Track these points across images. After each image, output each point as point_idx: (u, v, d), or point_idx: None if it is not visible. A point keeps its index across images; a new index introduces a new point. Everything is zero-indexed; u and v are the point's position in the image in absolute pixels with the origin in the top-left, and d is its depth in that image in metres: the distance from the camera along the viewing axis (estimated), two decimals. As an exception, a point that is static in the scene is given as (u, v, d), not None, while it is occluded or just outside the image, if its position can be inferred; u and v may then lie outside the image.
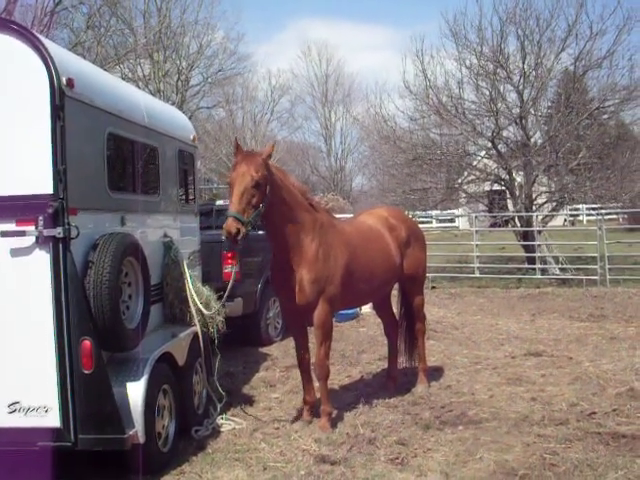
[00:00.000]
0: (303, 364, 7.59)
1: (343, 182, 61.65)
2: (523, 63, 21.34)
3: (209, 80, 43.73)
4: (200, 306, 7.38)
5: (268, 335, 11.99)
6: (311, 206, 7.28)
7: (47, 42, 5.47)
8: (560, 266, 20.03)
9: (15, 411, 5.35)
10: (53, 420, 5.33)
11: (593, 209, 29.15)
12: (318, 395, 7.56)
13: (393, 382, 8.68)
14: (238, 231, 6.21)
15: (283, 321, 12.18)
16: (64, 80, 5.30)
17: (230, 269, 10.72)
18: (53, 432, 5.33)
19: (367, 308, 13.24)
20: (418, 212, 23.89)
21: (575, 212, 32.72)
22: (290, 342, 11.46)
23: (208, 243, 9.69)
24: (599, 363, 9.54)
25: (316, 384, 7.55)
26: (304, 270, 6.98)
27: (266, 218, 6.77)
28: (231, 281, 7.11)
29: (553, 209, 22.49)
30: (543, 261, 20.06)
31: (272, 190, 6.68)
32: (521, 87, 21.51)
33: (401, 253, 8.26)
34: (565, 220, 35.81)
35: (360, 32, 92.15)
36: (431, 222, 40.38)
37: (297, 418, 7.55)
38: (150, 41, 33.05)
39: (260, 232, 12.71)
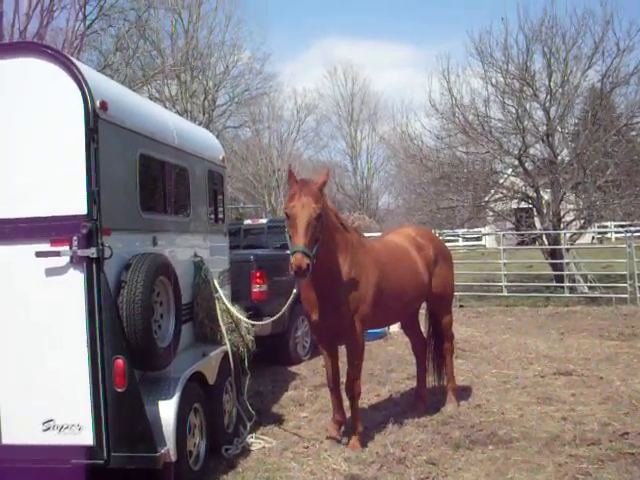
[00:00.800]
0: (333, 383, 7.55)
1: (369, 201, 61.61)
2: (549, 80, 21.32)
3: (235, 100, 44.02)
4: (241, 316, 7.55)
5: (297, 354, 12.01)
6: (342, 226, 7.25)
7: (81, 65, 5.56)
8: (589, 284, 19.86)
9: (49, 429, 5.40)
10: (86, 438, 5.36)
11: (622, 226, 28.91)
12: (347, 414, 7.56)
13: (422, 401, 8.65)
14: (308, 266, 6.15)
15: (311, 340, 12.21)
16: (98, 103, 5.37)
17: (259, 288, 10.80)
18: (86, 450, 5.36)
19: (395, 327, 13.20)
20: (445, 231, 23.83)
21: (603, 230, 32.47)
22: (318, 361, 11.52)
23: (237, 262, 9.74)
24: (631, 382, 9.45)
25: (346, 403, 7.54)
26: (338, 290, 6.94)
27: None
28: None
29: (581, 227, 22.33)
30: (571, 279, 19.92)
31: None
32: (547, 104, 21.46)
33: (429, 272, 8.26)
34: (593, 238, 35.51)
35: (383, 51, 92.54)
36: (458, 240, 40.23)
37: (327, 437, 7.53)
38: (177, 62, 33.44)
39: (288, 252, 12.87)
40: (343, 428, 7.57)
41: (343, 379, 7.53)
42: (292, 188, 6.60)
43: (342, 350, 7.52)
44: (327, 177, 6.83)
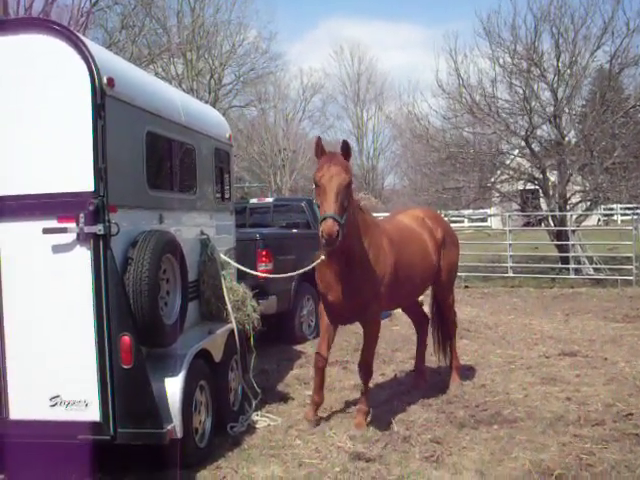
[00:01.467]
0: (321, 361, 7.46)
1: (375, 181, 61.67)
2: (557, 61, 21.16)
3: (241, 79, 43.98)
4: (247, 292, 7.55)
5: (302, 333, 12.04)
6: (358, 206, 7.19)
7: (88, 42, 5.53)
8: (594, 266, 19.84)
9: (56, 405, 5.43)
10: (93, 414, 5.39)
11: (628, 209, 28.83)
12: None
13: (423, 378, 8.69)
14: (338, 233, 6.05)
15: (316, 319, 12.23)
16: (105, 79, 5.36)
17: (264, 267, 10.80)
18: (93, 426, 5.39)
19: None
20: (451, 212, 23.80)
21: (609, 212, 32.40)
22: (324, 340, 11.52)
23: (243, 241, 9.73)
24: (635, 364, 9.47)
25: (348, 381, 7.54)
26: (357, 270, 6.87)
27: None
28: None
29: (587, 208, 22.24)
30: (577, 261, 19.90)
31: None
32: (555, 85, 21.31)
33: (438, 253, 8.25)
34: (599, 220, 35.44)
35: (391, 30, 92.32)
36: (463, 221, 40.17)
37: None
38: (183, 40, 33.35)
39: (294, 230, 12.89)
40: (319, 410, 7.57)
41: (346, 359, 7.54)
42: (321, 159, 6.55)
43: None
44: (351, 152, 6.78)
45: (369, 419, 7.31)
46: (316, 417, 7.43)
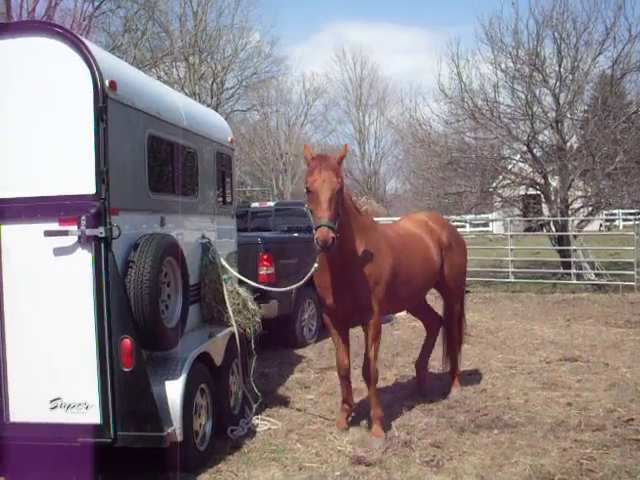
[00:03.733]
0: (343, 370, 7.39)
1: (377, 185, 61.54)
2: (559, 66, 21.16)
3: (244, 83, 43.89)
4: (248, 297, 7.58)
5: (303, 337, 12.04)
6: (356, 209, 7.18)
7: (90, 45, 5.55)
8: (596, 271, 19.82)
9: (57, 407, 5.44)
10: (93, 417, 5.41)
11: (630, 214, 28.82)
12: (356, 399, 7.58)
13: (423, 380, 8.67)
14: (333, 240, 6.06)
15: (317, 323, 12.24)
16: (107, 82, 5.38)
17: (266, 271, 10.81)
18: (93, 429, 5.40)
19: (402, 312, 13.22)
20: (452, 216, 23.80)
21: (611, 217, 32.40)
22: (324, 344, 11.57)
23: (244, 245, 9.74)
24: (636, 369, 9.45)
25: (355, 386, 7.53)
26: (355, 273, 6.85)
27: None
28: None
29: (589, 214, 22.23)
30: (578, 266, 19.87)
31: None
32: (557, 91, 21.31)
33: (442, 257, 8.23)
34: (601, 225, 35.46)
35: (394, 35, 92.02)
36: (465, 226, 40.16)
37: (333, 420, 7.53)
38: (186, 44, 33.34)
39: (295, 235, 12.90)
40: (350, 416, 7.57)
41: (351, 363, 7.53)
42: (310, 164, 6.52)
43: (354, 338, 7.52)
44: (345, 151, 6.75)
45: (369, 422, 7.28)
46: (347, 425, 7.35)
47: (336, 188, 6.29)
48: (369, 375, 7.15)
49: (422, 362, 8.82)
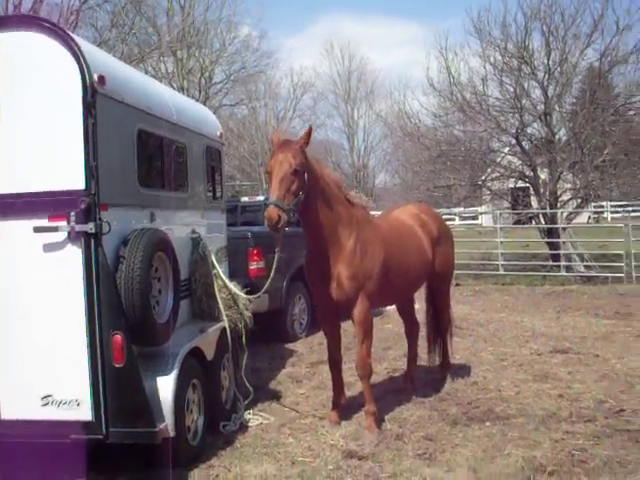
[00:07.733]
0: (335, 364, 7.42)
1: (366, 179, 61.50)
2: (548, 59, 21.25)
3: (232, 78, 43.78)
4: (238, 291, 7.58)
5: (293, 331, 12.03)
6: (347, 200, 7.18)
7: (78, 39, 5.51)
8: (585, 263, 19.90)
9: (48, 404, 5.41)
10: (85, 413, 5.38)
11: (619, 206, 28.93)
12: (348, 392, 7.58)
13: (412, 383, 8.56)
14: (279, 218, 6.10)
15: (308, 317, 12.23)
16: (95, 77, 5.33)
17: (256, 265, 10.78)
18: (85, 425, 5.37)
19: (392, 306, 13.24)
20: (442, 209, 23.83)
21: (600, 209, 32.50)
22: (315, 338, 11.56)
23: (234, 239, 9.70)
24: (626, 360, 9.49)
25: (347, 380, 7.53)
26: (342, 265, 6.84)
27: (304, 209, 6.60)
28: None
29: (578, 206, 22.30)
30: (568, 258, 19.96)
31: (310, 179, 6.54)
32: (546, 83, 21.40)
33: (433, 250, 8.22)
34: (590, 217, 35.56)
35: (383, 28, 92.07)
36: (454, 219, 40.21)
37: (325, 415, 7.52)
38: (174, 39, 33.14)
39: (287, 229, 12.84)
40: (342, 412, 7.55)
41: (343, 358, 7.53)
42: (274, 148, 6.61)
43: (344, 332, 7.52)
44: (308, 135, 6.66)
45: (361, 415, 7.29)
46: (339, 420, 7.31)
47: (289, 169, 6.32)
48: (362, 370, 7.12)
49: (411, 370, 8.74)
